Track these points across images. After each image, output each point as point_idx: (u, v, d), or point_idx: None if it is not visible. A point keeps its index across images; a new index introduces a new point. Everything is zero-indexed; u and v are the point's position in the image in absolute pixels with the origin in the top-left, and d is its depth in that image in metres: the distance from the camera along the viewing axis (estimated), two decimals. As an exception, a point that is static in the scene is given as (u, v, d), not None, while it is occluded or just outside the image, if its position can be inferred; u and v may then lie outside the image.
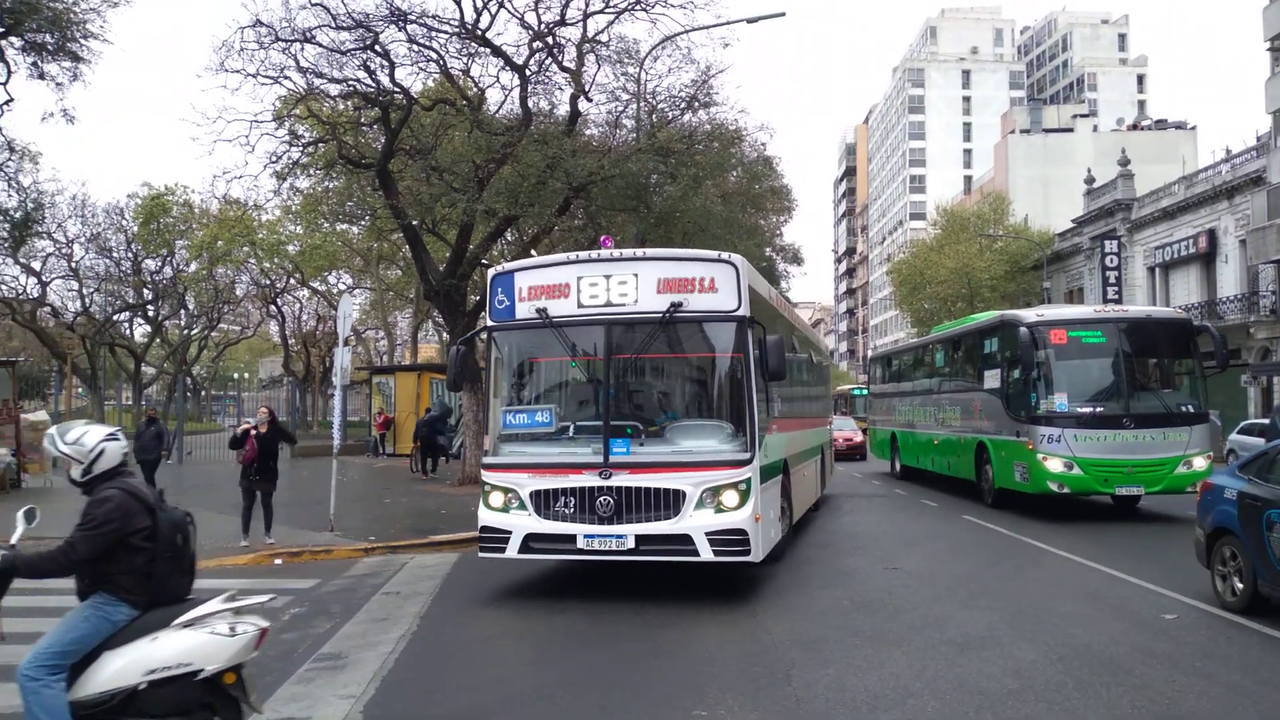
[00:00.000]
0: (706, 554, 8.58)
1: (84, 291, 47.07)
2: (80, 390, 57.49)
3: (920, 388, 21.74)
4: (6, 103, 18.28)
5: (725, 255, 9.30)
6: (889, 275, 68.59)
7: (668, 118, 22.18)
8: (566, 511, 8.82)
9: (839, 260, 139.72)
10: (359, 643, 7.60)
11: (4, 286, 43.93)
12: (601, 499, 8.71)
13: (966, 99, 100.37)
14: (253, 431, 12.56)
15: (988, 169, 79.99)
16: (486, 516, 9.22)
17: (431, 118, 21.46)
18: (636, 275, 9.13)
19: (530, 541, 8.93)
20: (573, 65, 20.20)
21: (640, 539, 8.64)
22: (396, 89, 19.33)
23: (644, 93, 22.08)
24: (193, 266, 44.43)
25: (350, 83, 19.54)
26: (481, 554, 9.36)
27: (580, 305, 9.20)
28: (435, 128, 21.49)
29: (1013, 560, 11.53)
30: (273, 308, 52.64)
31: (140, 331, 56.63)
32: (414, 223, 20.60)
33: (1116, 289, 40.71)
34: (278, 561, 11.73)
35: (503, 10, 19.14)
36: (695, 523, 8.62)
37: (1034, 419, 14.51)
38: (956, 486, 19.15)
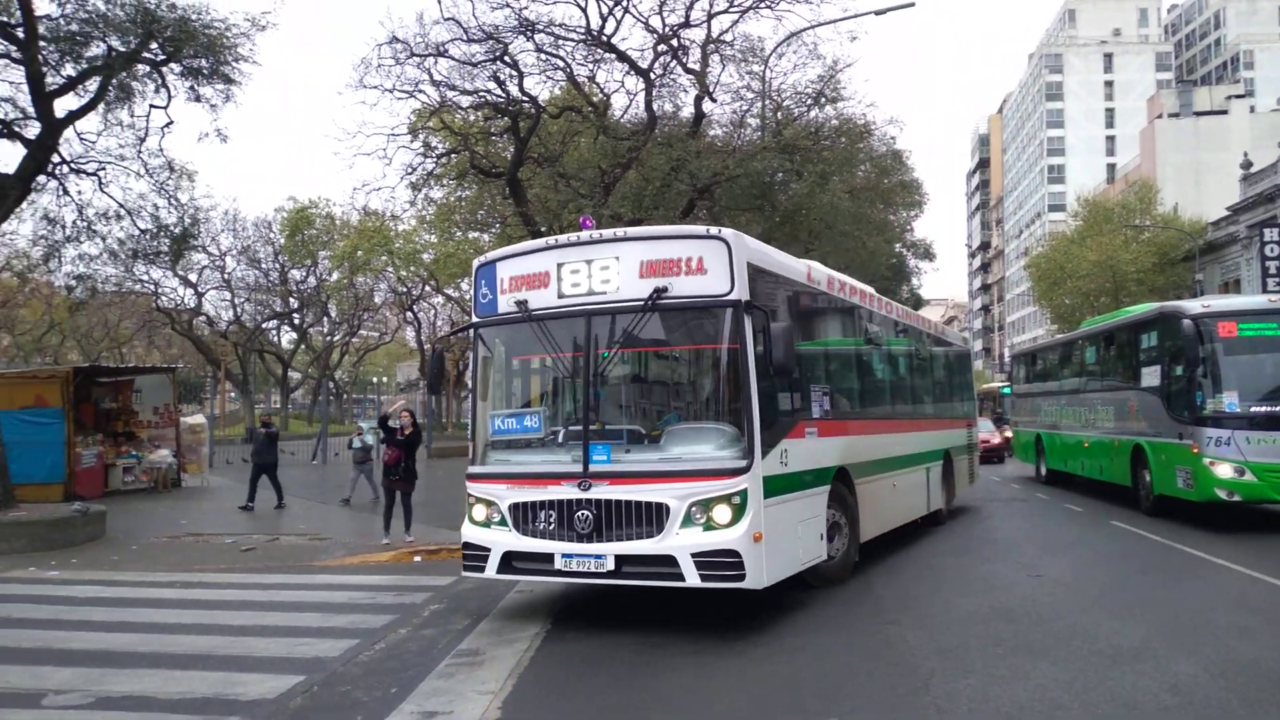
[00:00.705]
0: (693, 578, 7.47)
1: (235, 301, 49.92)
2: (233, 394, 61.01)
3: (1068, 387, 20.61)
4: (167, 125, 19.50)
5: (714, 230, 8.07)
6: (1027, 270, 66.01)
7: (793, 115, 21.94)
8: (546, 527, 7.94)
9: (972, 255, 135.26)
10: (495, 640, 7.78)
11: (164, 298, 47.04)
12: (580, 513, 7.76)
13: (1109, 83, 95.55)
14: (399, 433, 13.06)
15: (1133, 156, 76.00)
16: (467, 531, 8.47)
17: (559, 125, 21.86)
18: (618, 259, 8.06)
19: (510, 560, 8.12)
20: (697, 66, 20.23)
21: (620, 559, 7.65)
22: (525, 98, 19.77)
23: (769, 90, 21.90)
24: (334, 276, 46.57)
25: (481, 94, 20.10)
26: (464, 572, 8.64)
27: (561, 295, 8.25)
28: (562, 135, 21.88)
29: (1166, 569, 10.89)
30: (409, 314, 54.65)
31: (287, 338, 59.81)
32: (542, 229, 21.00)
33: (1279, 280, 38.01)
34: (417, 559, 12.13)
35: (627, 15, 19.34)
36: (680, 542, 7.52)
37: (1199, 420, 13.43)
38: (1106, 492, 18.23)
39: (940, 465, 14.80)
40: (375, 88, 19.39)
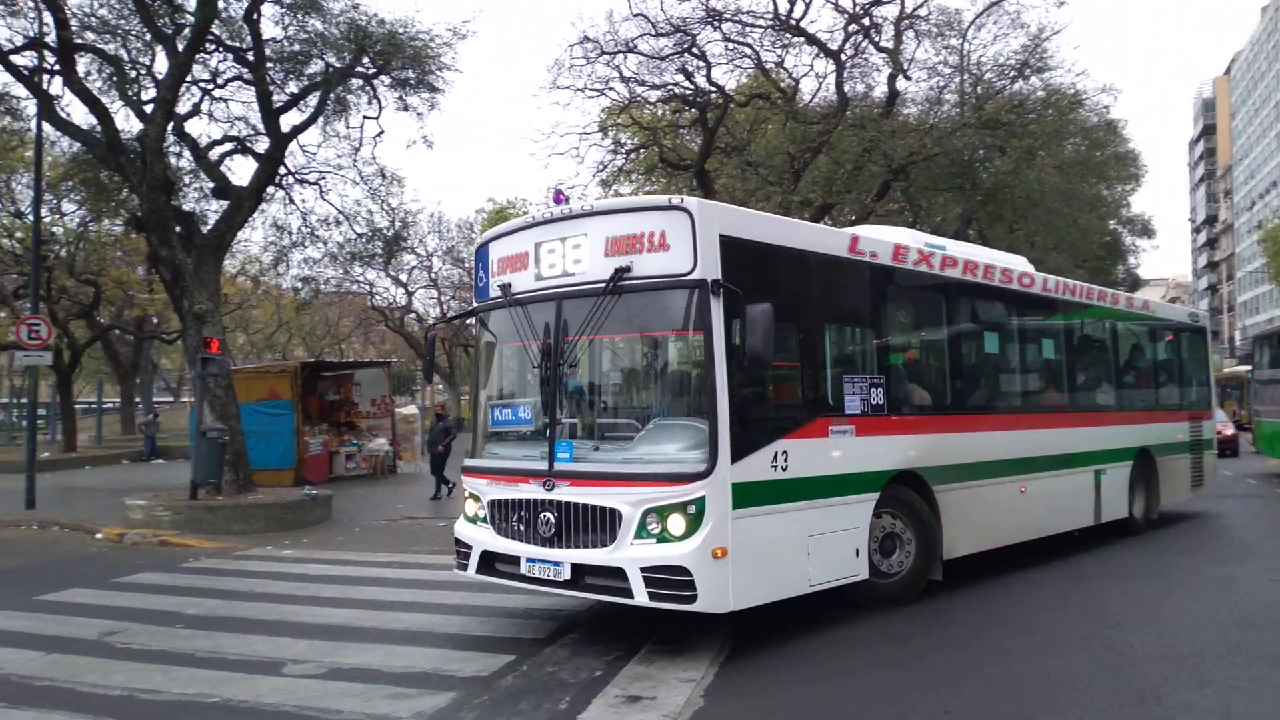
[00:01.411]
0: (641, 596, 6.74)
1: (441, 299, 52.58)
2: (440, 387, 64.40)
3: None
4: (378, 135, 20.88)
5: (677, 199, 7.14)
6: (1261, 245, 60.07)
7: (995, 88, 20.86)
8: (517, 528, 7.49)
9: (1197, 231, 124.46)
10: (693, 628, 7.82)
11: (378, 297, 50.23)
12: (542, 515, 7.25)
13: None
14: None
15: (1391, 112, 67.59)
16: (459, 526, 8.16)
17: (746, 113, 21.74)
18: (587, 236, 7.36)
19: (489, 560, 7.70)
20: (890, 44, 19.57)
21: (575, 569, 7.07)
22: (713, 88, 19.79)
23: (967, 65, 20.93)
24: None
25: (669, 87, 20.30)
26: (455, 570, 8.25)
27: (537, 278, 7.66)
28: (750, 123, 21.76)
29: None
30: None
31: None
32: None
33: None
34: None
35: (815, -3, 18.95)
36: (631, 554, 6.79)
37: None
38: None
39: (1128, 466, 12.34)
40: (567, 88, 19.99)
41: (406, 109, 19.59)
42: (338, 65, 18.35)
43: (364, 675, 6.56)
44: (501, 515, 7.62)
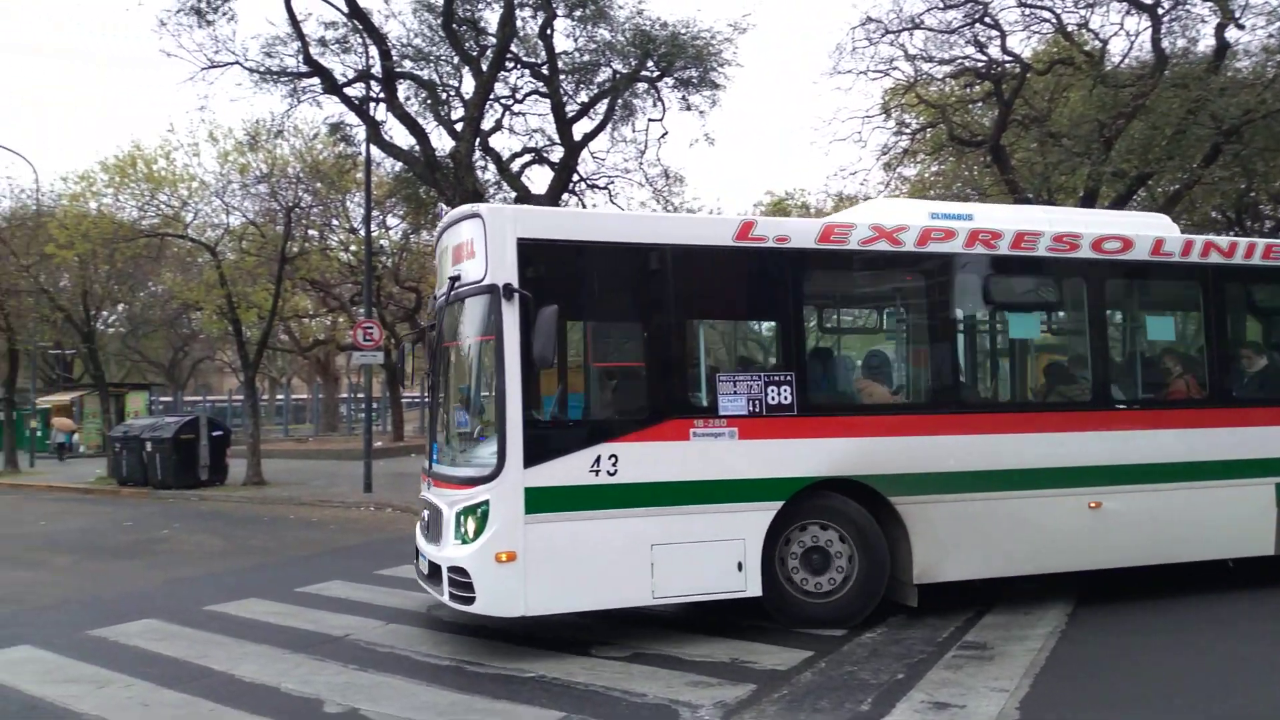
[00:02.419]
0: (445, 594, 7.00)
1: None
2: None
3: None
4: (662, 136, 21.52)
5: (476, 207, 7.23)
6: None
7: (1353, 28, 17.96)
8: (423, 526, 7.89)
9: None
10: (1004, 634, 7.34)
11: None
12: (424, 513, 7.76)
13: None
14: None
15: None
16: (419, 528, 8.13)
17: (1045, 82, 20.21)
18: (447, 248, 7.74)
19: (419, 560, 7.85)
20: (1217, -10, 17.38)
21: (430, 567, 7.37)
22: (1008, 58, 18.57)
23: (1316, 4, 18.13)
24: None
25: (958, 61, 19.29)
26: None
27: (442, 283, 7.90)
28: (1050, 91, 20.20)
29: None
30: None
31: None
32: (1029, 195, 19.56)
33: None
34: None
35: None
36: (444, 553, 7.08)
37: None
38: None
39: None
40: (849, 71, 19.59)
41: (689, 108, 20.02)
42: (624, 71, 19.06)
43: (665, 661, 6.72)
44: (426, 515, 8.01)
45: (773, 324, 8.08)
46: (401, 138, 20.11)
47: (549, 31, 18.75)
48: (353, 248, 29.40)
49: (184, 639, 7.64)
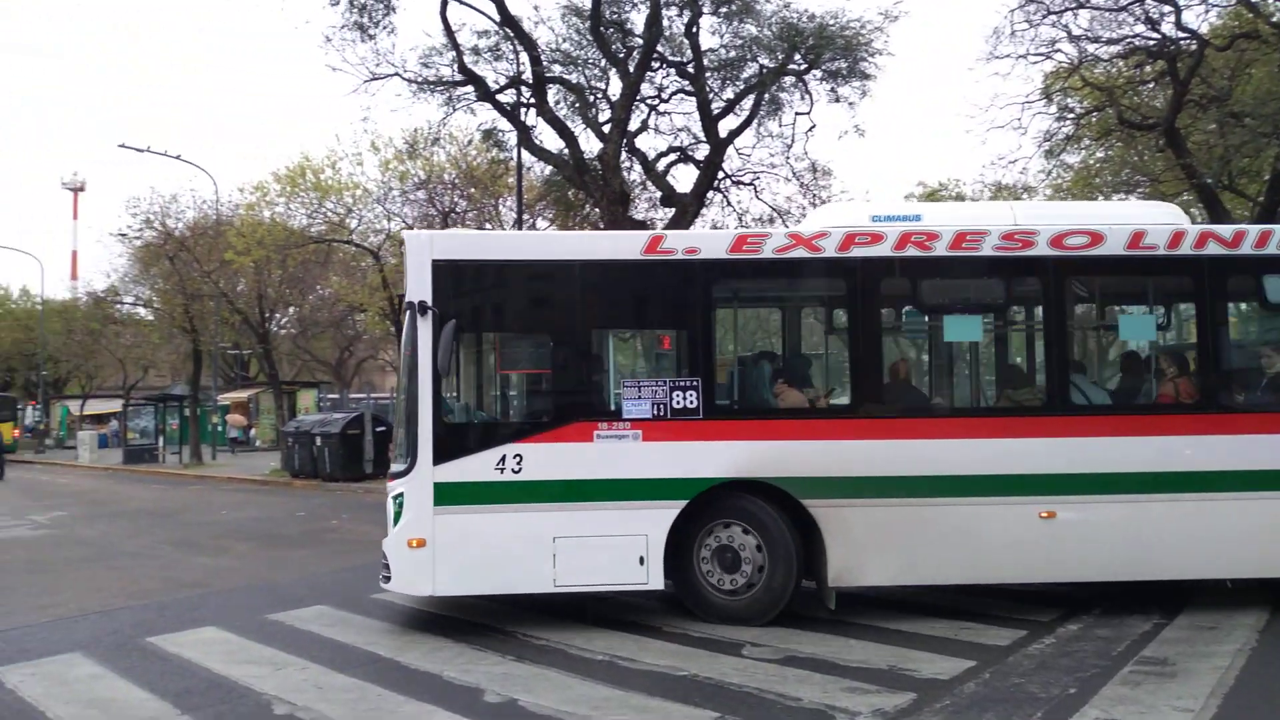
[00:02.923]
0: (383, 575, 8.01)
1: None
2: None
3: None
4: (810, 130, 21.07)
5: (404, 233, 8.09)
6: None
7: None
8: None
9: None
10: (1187, 650, 6.86)
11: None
12: None
13: None
14: None
15: None
16: None
17: (1225, 59, 18.78)
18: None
19: None
20: None
21: None
22: (1184, 34, 17.35)
23: None
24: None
25: (1128, 40, 18.16)
26: None
27: None
28: (1231, 69, 18.77)
29: None
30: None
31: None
32: (1208, 180, 18.24)
33: None
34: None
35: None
36: (387, 541, 7.92)
37: None
38: None
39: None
40: (1007, 56, 18.62)
41: (838, 100, 19.64)
42: (770, 65, 18.86)
43: (819, 665, 6.60)
44: None
45: (681, 331, 8.20)
46: (551, 141, 20.56)
47: (694, 29, 18.75)
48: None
49: (353, 625, 8.02)
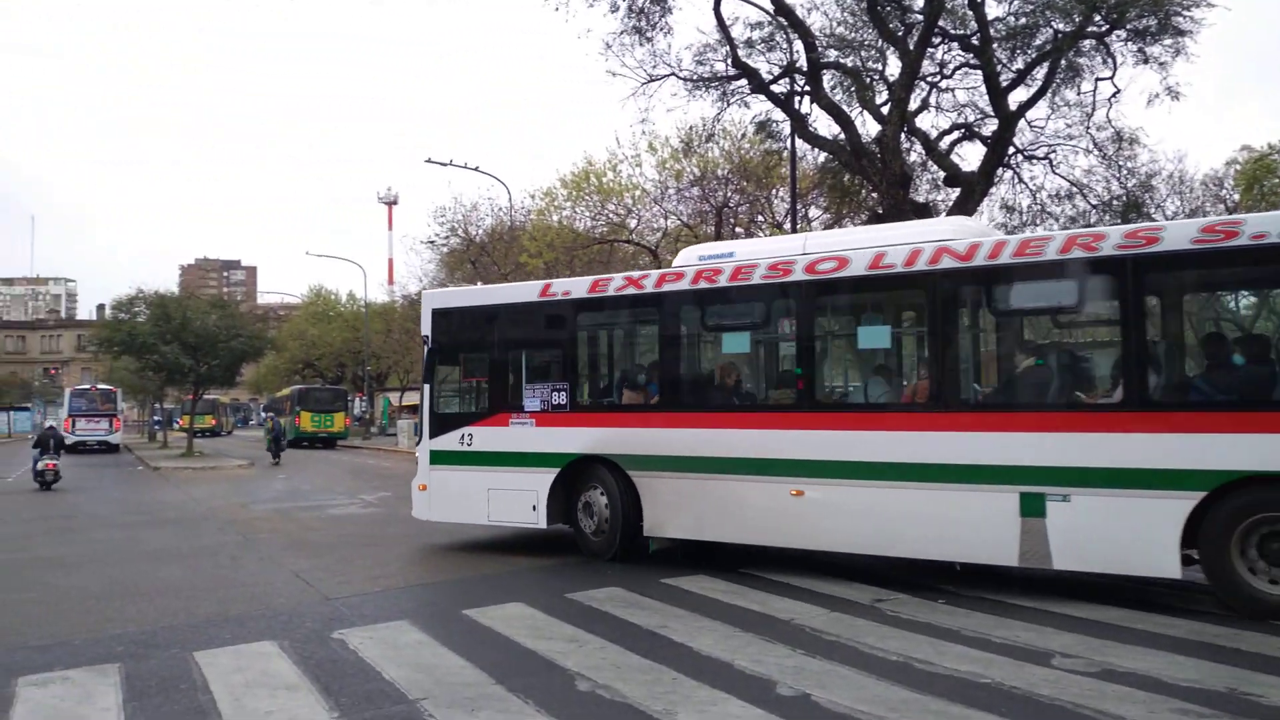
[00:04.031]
0: None
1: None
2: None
3: None
4: (1114, 95, 19.18)
5: (425, 290, 14.71)
6: None
7: None
8: None
9: None
10: None
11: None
12: None
13: None
14: None
15: None
16: None
17: None
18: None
19: None
20: None
21: None
22: None
23: None
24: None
25: None
26: None
27: None
28: None
29: None
30: None
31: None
32: None
33: None
34: None
35: None
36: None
37: None
38: None
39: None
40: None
41: (1146, 61, 17.80)
42: (1066, 30, 17.44)
43: (1141, 682, 5.99)
44: None
45: (559, 351, 11.39)
46: (825, 128, 20.20)
47: (979, -1, 17.70)
48: (778, 241, 29.99)
49: (645, 608, 8.29)
